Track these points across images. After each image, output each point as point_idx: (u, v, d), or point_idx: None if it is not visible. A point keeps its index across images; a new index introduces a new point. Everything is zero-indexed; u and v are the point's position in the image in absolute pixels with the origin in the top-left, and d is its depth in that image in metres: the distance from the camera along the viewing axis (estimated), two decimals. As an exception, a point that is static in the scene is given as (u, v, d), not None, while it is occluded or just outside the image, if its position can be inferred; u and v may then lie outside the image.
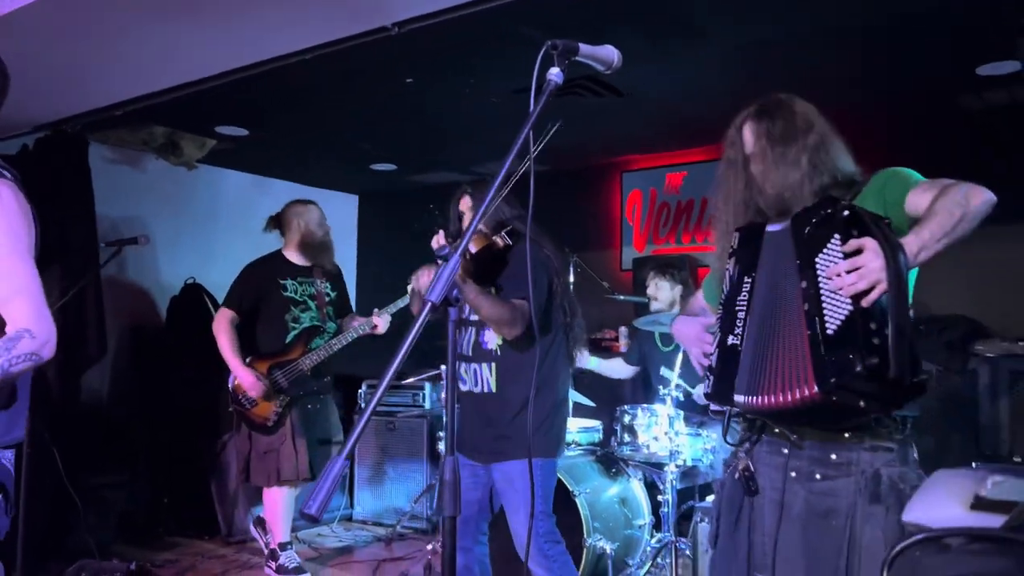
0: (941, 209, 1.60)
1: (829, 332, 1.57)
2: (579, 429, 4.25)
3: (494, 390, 2.88)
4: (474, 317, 2.98)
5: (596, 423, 4.39)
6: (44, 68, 3.52)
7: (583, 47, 1.65)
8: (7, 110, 2.00)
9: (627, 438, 3.92)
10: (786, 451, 1.81)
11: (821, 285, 1.61)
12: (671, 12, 3.26)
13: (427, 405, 5.12)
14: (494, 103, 4.31)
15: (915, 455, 1.76)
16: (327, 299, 4.24)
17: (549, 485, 2.97)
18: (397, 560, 4.45)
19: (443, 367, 4.62)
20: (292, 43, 3.33)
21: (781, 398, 1.65)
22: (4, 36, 3.01)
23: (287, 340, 4.08)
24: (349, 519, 5.30)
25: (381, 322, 4.02)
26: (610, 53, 1.71)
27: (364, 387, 5.34)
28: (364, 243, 7.11)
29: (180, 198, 5.69)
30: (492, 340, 2.91)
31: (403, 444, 5.10)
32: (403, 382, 5.14)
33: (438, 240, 2.78)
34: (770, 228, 1.82)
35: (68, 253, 4.21)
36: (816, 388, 1.57)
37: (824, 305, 1.60)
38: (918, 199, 1.70)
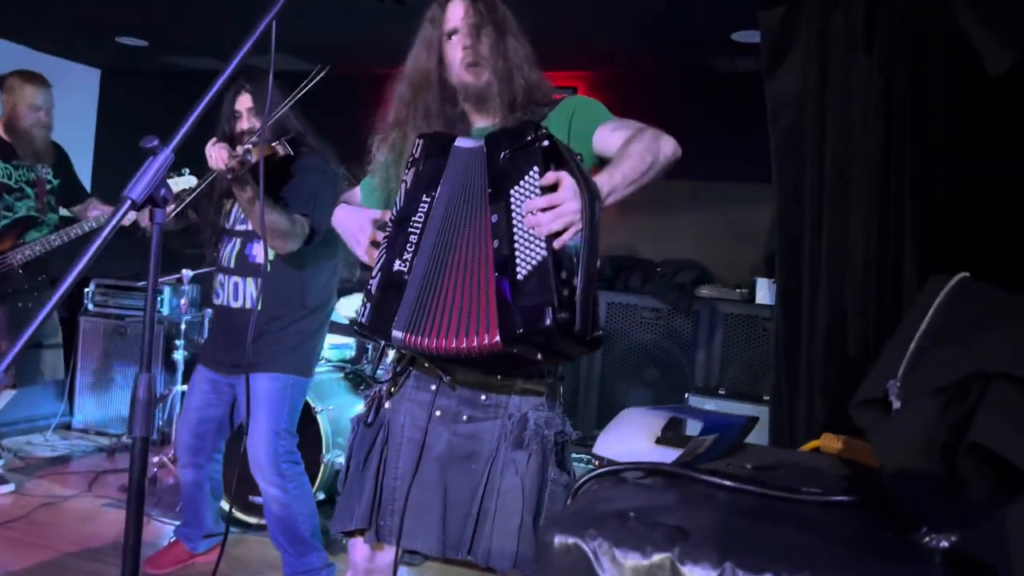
0: (634, 153, 1.53)
1: (519, 277, 1.41)
2: (331, 346, 4.16)
3: (258, 307, 2.73)
4: (240, 227, 2.78)
5: (350, 340, 4.32)
6: None
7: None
8: None
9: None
10: (434, 387, 1.68)
11: (515, 222, 1.45)
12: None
13: (165, 311, 4.77)
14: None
15: (561, 400, 1.71)
16: (48, 187, 3.77)
17: (297, 404, 2.89)
18: (120, 472, 4.16)
19: (186, 272, 4.30)
20: None
21: (453, 343, 1.47)
22: None
23: None
24: (68, 427, 4.86)
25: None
26: None
27: (93, 286, 4.86)
28: (105, 125, 6.35)
29: None
30: (262, 254, 2.72)
31: (134, 350, 4.72)
32: (138, 284, 4.73)
33: (218, 154, 2.41)
34: (460, 143, 1.62)
35: None
36: (498, 338, 1.42)
37: (517, 245, 1.43)
38: (607, 137, 1.64)
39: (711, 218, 4.72)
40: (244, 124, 2.74)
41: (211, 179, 2.72)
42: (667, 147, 1.58)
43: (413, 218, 1.59)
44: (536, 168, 1.45)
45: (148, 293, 1.12)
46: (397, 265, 1.57)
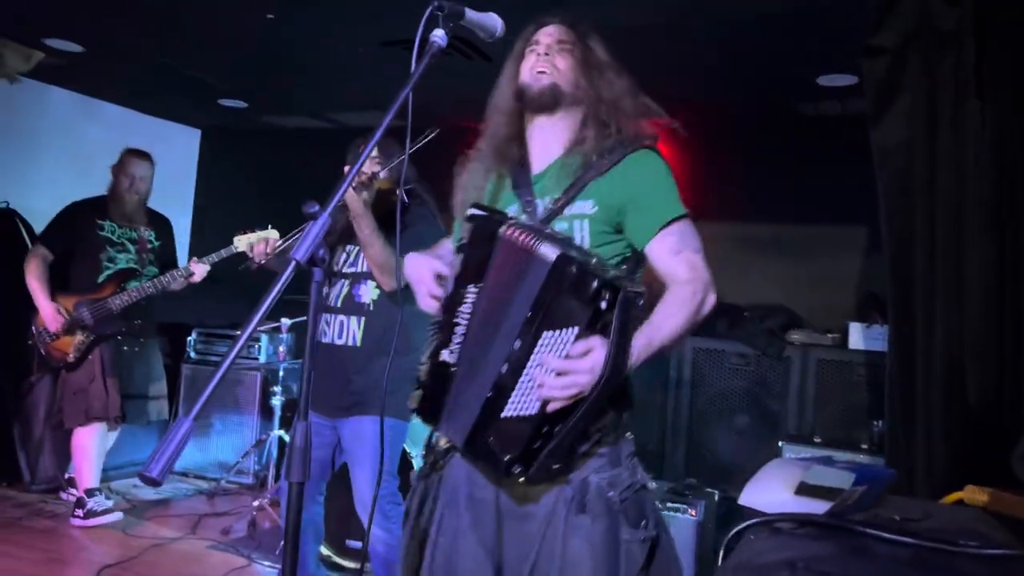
0: (675, 325, 1.53)
1: (503, 414, 1.47)
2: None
3: (359, 344, 2.82)
4: (348, 269, 2.91)
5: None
6: None
7: (469, 12, 1.61)
8: None
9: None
10: None
11: (530, 363, 1.45)
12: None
13: (262, 358, 4.95)
14: (359, 51, 4.16)
15: (630, 449, 1.64)
16: (149, 246, 4.19)
17: (397, 447, 2.98)
18: (220, 515, 4.29)
19: (284, 320, 4.47)
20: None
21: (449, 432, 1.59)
22: None
23: (99, 280, 4.00)
24: (169, 471, 5.05)
25: (199, 270, 3.92)
26: (495, 22, 1.69)
27: (195, 334, 5.09)
28: (204, 182, 6.68)
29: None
30: (367, 294, 2.84)
31: (232, 396, 4.90)
32: (237, 332, 4.93)
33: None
34: (503, 233, 1.54)
35: None
36: (461, 443, 1.54)
37: (519, 385, 1.46)
38: (659, 257, 1.62)
39: (796, 262, 4.67)
40: (367, 169, 2.87)
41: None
42: (705, 309, 1.59)
43: (459, 308, 1.58)
44: (577, 329, 1.42)
45: (308, 343, 1.20)
46: (444, 355, 1.60)
